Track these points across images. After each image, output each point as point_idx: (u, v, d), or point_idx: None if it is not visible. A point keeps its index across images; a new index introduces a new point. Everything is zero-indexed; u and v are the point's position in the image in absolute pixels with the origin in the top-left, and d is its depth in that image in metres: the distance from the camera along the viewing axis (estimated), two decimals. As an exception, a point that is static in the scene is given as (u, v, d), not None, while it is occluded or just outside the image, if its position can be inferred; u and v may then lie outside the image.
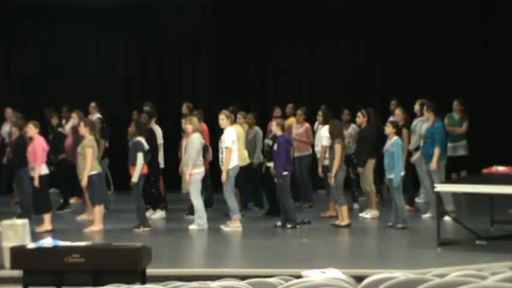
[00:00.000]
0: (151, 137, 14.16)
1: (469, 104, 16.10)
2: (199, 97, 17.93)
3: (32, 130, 13.21)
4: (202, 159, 13.41)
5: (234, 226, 13.20)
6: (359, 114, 14.20)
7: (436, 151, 13.41)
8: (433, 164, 13.39)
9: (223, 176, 13.14)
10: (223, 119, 13.34)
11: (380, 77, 18.42)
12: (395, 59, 18.41)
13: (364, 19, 17.96)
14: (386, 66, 18.47)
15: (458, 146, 15.64)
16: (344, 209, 13.27)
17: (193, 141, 13.25)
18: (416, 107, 14.62)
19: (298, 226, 13.31)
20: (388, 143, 13.11)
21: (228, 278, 7.70)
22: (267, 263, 10.83)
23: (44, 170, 13.16)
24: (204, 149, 13.76)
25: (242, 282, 6.04)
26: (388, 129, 13.18)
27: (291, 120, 15.48)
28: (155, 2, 18.42)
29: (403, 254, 11.66)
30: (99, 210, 13.25)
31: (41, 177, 13.03)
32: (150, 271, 9.37)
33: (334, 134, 13.24)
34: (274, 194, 13.83)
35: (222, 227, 13.28)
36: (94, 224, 13.20)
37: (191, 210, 13.81)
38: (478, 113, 16.83)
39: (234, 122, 14.07)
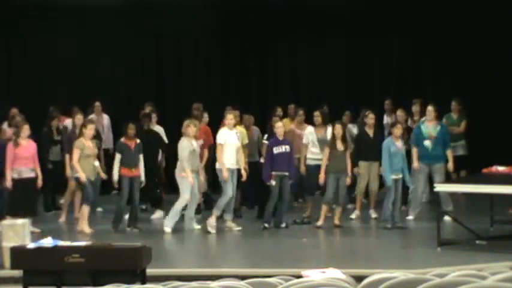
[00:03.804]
0: (158, 138, 14.32)
1: (468, 104, 16.10)
2: (199, 97, 17.88)
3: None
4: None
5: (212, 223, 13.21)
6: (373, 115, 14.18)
7: (450, 152, 13.74)
8: (451, 165, 13.65)
9: (245, 174, 13.41)
10: (233, 119, 13.41)
11: (380, 77, 18.43)
12: (395, 59, 18.42)
13: (364, 19, 17.95)
14: (386, 66, 18.48)
15: (457, 146, 15.61)
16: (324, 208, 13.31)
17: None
18: (417, 108, 14.65)
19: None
20: (398, 144, 13.15)
21: (228, 278, 7.70)
22: (267, 263, 10.84)
23: None
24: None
25: (242, 282, 6.04)
26: (399, 130, 13.21)
27: (286, 121, 15.33)
28: (155, 2, 18.42)
29: (403, 254, 11.66)
30: (86, 210, 13.24)
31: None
32: (150, 271, 9.38)
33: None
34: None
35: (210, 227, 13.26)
36: (80, 224, 13.22)
37: (197, 210, 13.80)
38: (478, 113, 16.84)
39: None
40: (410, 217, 13.82)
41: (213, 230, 13.03)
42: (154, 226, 13.73)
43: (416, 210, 13.79)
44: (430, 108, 13.86)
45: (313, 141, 13.97)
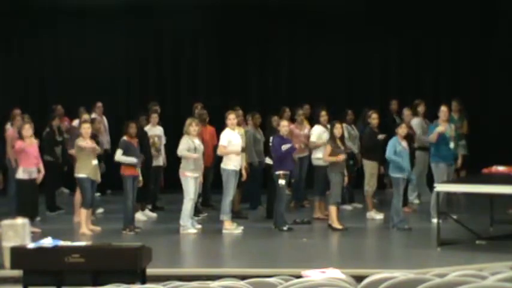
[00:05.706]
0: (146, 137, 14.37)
1: (469, 104, 16.11)
2: (199, 97, 17.89)
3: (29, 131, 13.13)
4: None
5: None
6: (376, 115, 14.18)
7: None
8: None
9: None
10: (235, 119, 13.42)
11: (380, 77, 18.43)
12: (395, 59, 18.42)
13: (364, 19, 17.95)
14: (386, 66, 18.48)
15: (458, 146, 15.62)
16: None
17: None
18: (423, 108, 14.83)
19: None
20: (404, 144, 13.14)
21: (228, 278, 7.70)
22: (267, 263, 10.84)
23: None
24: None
25: (242, 282, 6.04)
26: (404, 130, 13.21)
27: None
28: (155, 2, 18.42)
29: (403, 254, 11.66)
30: (85, 213, 13.15)
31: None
32: (150, 271, 9.39)
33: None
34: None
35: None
36: (82, 228, 13.13)
37: (197, 209, 13.81)
38: (478, 113, 16.84)
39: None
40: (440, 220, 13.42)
41: (237, 231, 13.09)
42: (154, 226, 13.71)
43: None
44: (444, 108, 13.63)
45: None
